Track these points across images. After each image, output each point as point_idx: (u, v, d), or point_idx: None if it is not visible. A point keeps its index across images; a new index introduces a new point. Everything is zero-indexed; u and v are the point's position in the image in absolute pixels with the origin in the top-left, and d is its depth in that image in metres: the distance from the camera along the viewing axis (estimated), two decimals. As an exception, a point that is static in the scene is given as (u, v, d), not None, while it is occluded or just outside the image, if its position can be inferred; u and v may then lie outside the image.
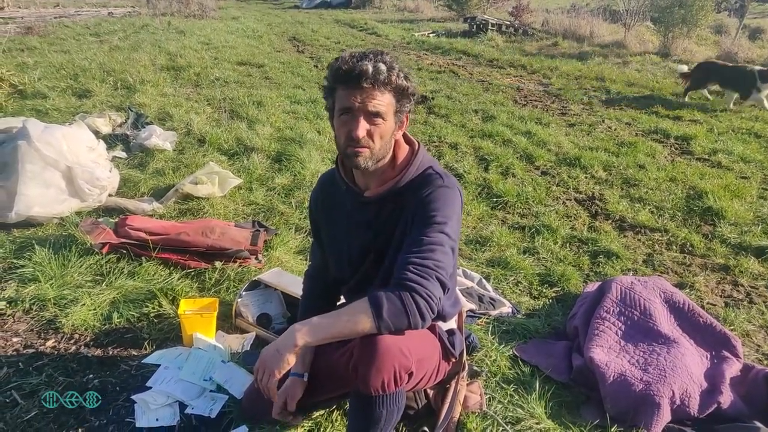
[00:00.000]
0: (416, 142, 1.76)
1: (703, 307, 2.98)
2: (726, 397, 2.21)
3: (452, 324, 1.97)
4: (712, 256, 3.58)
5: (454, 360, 1.96)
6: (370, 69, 1.53)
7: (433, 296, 1.49)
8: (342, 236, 1.85)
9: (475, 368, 2.35)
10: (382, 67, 1.55)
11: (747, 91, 7.01)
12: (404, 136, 1.77)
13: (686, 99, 7.58)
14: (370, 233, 1.75)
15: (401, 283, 1.49)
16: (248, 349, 2.46)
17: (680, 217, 4.13)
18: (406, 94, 1.63)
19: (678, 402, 2.17)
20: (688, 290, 3.15)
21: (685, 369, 2.28)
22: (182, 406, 2.11)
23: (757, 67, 6.99)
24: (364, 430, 1.65)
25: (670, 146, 5.82)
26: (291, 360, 1.52)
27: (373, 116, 1.57)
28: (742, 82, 7.03)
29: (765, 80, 6.83)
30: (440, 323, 1.89)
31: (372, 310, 1.47)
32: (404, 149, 1.74)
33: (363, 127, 1.56)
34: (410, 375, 1.60)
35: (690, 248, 3.69)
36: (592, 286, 3.07)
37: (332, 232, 1.90)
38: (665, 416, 2.13)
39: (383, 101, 1.57)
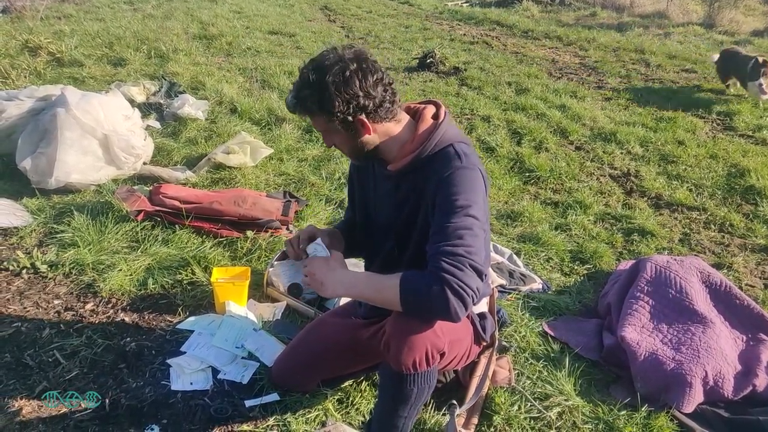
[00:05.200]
0: (442, 115, 1.69)
1: (741, 288, 2.91)
2: (762, 380, 2.17)
3: (483, 307, 1.94)
4: (752, 237, 3.47)
5: (485, 343, 1.96)
6: (289, 104, 1.65)
7: (467, 288, 1.40)
8: (371, 204, 1.86)
9: (505, 344, 2.35)
10: (291, 102, 1.64)
11: (743, 81, 6.20)
12: (432, 106, 1.73)
13: (729, 90, 6.69)
14: (392, 209, 1.74)
15: (436, 274, 1.42)
16: (279, 318, 2.50)
17: (720, 195, 4.01)
18: (330, 113, 1.57)
19: (711, 383, 2.14)
20: (726, 271, 3.07)
21: (720, 350, 2.24)
22: (215, 371, 2.17)
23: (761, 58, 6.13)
24: (394, 407, 1.67)
25: (712, 122, 5.61)
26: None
27: (321, 133, 1.70)
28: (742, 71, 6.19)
29: (755, 73, 5.88)
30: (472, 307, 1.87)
31: (401, 298, 1.47)
32: (427, 122, 1.69)
33: (326, 142, 1.72)
34: (442, 355, 1.60)
35: (729, 228, 3.58)
36: (625, 264, 3.02)
37: (363, 197, 1.91)
38: (697, 396, 2.10)
39: (316, 123, 1.67)
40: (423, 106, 1.76)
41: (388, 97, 1.63)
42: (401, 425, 1.69)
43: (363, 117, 1.60)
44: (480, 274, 1.44)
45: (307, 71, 1.58)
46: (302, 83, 1.59)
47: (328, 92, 1.55)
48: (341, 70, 1.55)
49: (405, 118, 1.71)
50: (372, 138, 1.66)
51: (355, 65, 1.56)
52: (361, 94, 1.56)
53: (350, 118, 1.59)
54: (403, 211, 1.71)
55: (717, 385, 2.14)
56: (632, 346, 2.28)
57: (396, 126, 1.68)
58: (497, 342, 2.17)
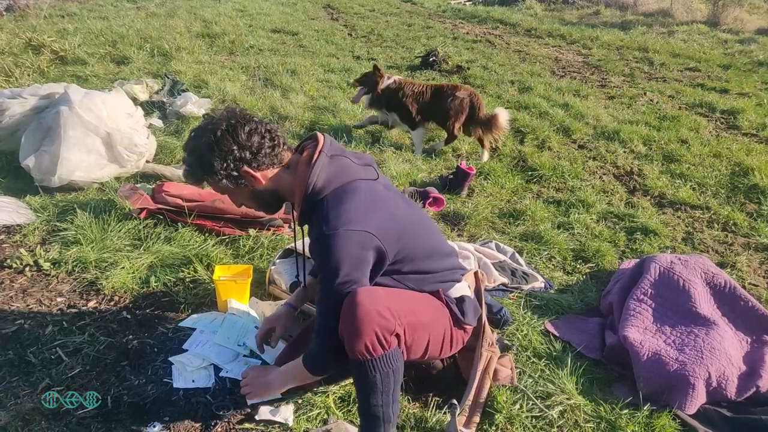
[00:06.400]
0: (315, 156, 1.71)
1: (744, 287, 2.90)
2: (765, 381, 2.15)
3: (464, 290, 1.93)
4: (756, 236, 3.46)
5: (468, 327, 1.94)
6: (182, 176, 1.85)
7: (323, 356, 1.72)
8: None
9: (507, 342, 2.35)
10: (183, 174, 1.82)
11: None
12: (312, 142, 1.79)
13: None
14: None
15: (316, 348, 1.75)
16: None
17: (723, 194, 4.00)
18: (215, 173, 1.70)
19: (714, 384, 2.13)
20: (729, 270, 3.06)
21: (724, 352, 2.23)
22: (217, 369, 2.17)
23: None
24: (365, 397, 1.68)
25: (716, 120, 5.60)
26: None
27: (227, 196, 1.85)
28: None
29: None
30: (447, 289, 1.88)
31: (311, 372, 1.79)
32: (302, 169, 1.74)
33: (235, 204, 1.87)
34: (398, 336, 1.63)
35: (733, 227, 3.57)
36: (628, 263, 3.01)
37: None
38: (700, 397, 2.10)
39: (213, 188, 1.80)
40: (305, 143, 1.83)
41: (266, 143, 1.73)
42: (380, 414, 1.68)
43: (246, 168, 1.71)
44: (326, 341, 1.68)
45: (186, 143, 1.75)
46: (186, 155, 1.75)
47: (206, 155, 1.69)
48: (212, 132, 1.68)
49: (295, 159, 1.79)
50: (267, 186, 1.77)
51: (224, 124, 1.69)
52: (235, 147, 1.69)
53: (234, 173, 1.71)
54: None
55: (720, 386, 2.13)
56: (635, 346, 2.27)
57: (286, 171, 1.78)
58: (495, 334, 2.16)
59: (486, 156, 4.43)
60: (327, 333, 1.66)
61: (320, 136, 1.79)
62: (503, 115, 4.30)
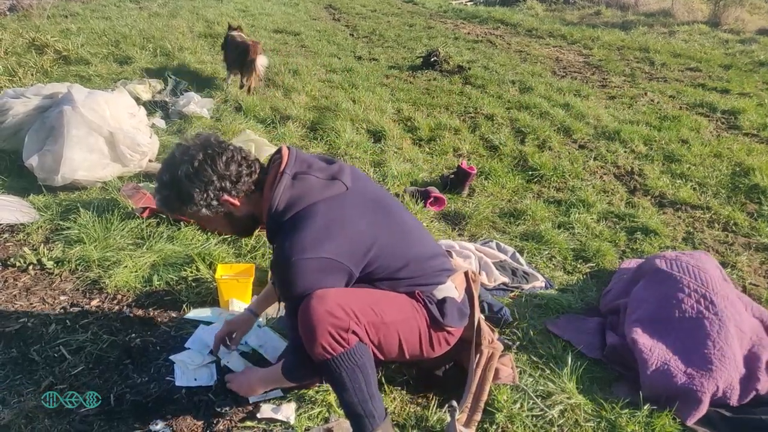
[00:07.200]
0: (276, 179, 1.72)
1: (745, 287, 2.92)
2: (764, 384, 2.13)
3: (450, 291, 1.89)
4: (756, 236, 3.47)
5: (450, 328, 1.88)
6: (158, 206, 1.85)
7: (292, 370, 1.83)
8: None
9: (507, 341, 2.36)
10: (158, 205, 1.81)
11: None
12: (278, 160, 1.78)
13: None
14: None
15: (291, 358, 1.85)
16: (283, 314, 2.51)
17: (724, 194, 4.00)
18: (194, 204, 1.70)
19: (720, 395, 2.09)
20: (729, 270, 3.07)
21: (733, 358, 2.15)
22: (218, 368, 2.18)
23: None
24: (341, 396, 1.71)
25: (716, 120, 5.60)
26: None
27: (201, 223, 1.92)
28: None
29: None
30: (427, 291, 1.85)
31: (287, 378, 1.86)
32: (267, 190, 1.75)
33: (209, 230, 1.95)
34: (356, 334, 1.64)
35: (733, 227, 3.58)
36: (629, 263, 3.02)
37: None
38: (703, 409, 2.07)
39: (189, 217, 1.82)
40: (274, 158, 1.82)
41: (244, 171, 1.74)
42: (360, 411, 1.69)
43: (226, 197, 1.72)
44: (299, 353, 1.72)
45: (160, 173, 1.73)
46: (160, 185, 1.74)
47: (184, 186, 1.67)
48: (190, 162, 1.66)
49: (263, 180, 1.78)
50: (243, 210, 1.78)
51: (201, 154, 1.68)
52: (215, 177, 1.68)
53: (215, 202, 1.71)
54: None
55: (725, 396, 2.10)
56: (645, 353, 2.20)
57: (256, 193, 1.78)
58: (495, 332, 2.17)
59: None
60: (298, 345, 1.70)
61: (285, 151, 1.77)
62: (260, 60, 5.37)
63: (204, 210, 1.72)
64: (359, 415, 1.69)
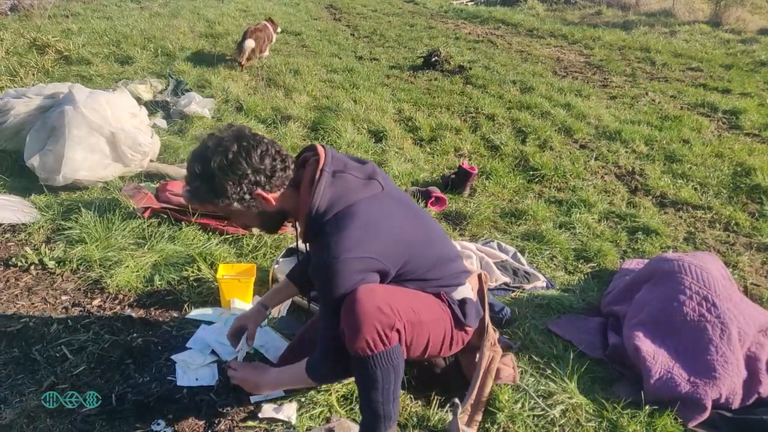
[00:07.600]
0: (317, 175, 1.68)
1: (746, 287, 2.92)
2: (765, 387, 2.12)
3: (467, 292, 1.93)
4: (758, 236, 3.47)
5: (468, 328, 1.94)
6: (186, 198, 1.73)
7: (324, 368, 1.78)
8: None
9: (508, 341, 2.36)
10: (187, 196, 1.72)
11: None
12: (313, 159, 1.74)
13: None
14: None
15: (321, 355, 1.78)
16: (284, 314, 2.52)
17: (725, 194, 4.00)
18: (227, 197, 1.65)
19: (722, 400, 2.09)
20: (731, 270, 3.06)
21: (736, 363, 2.13)
22: (220, 367, 2.18)
23: None
24: (366, 394, 1.69)
25: (718, 120, 5.59)
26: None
27: (230, 217, 1.86)
28: None
29: None
30: (449, 292, 1.88)
31: (311, 378, 1.82)
32: (306, 187, 1.72)
33: (237, 224, 1.90)
34: (399, 333, 1.64)
35: (734, 227, 3.58)
36: (630, 263, 3.02)
37: None
38: (706, 415, 2.06)
39: (218, 210, 1.74)
40: (306, 155, 1.79)
41: (278, 165, 1.69)
42: (381, 411, 1.69)
43: (259, 191, 1.67)
44: (329, 350, 1.72)
45: (192, 164, 1.65)
46: (191, 176, 1.67)
47: (217, 179, 1.62)
48: (224, 154, 1.61)
49: (299, 176, 1.75)
50: (275, 206, 1.73)
51: (236, 146, 1.62)
52: (249, 171, 1.63)
53: (247, 196, 1.66)
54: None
55: (728, 401, 2.09)
56: (648, 361, 2.17)
57: (290, 189, 1.75)
58: (497, 333, 2.17)
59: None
60: (329, 346, 1.69)
61: (320, 149, 1.74)
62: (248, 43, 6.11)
63: (236, 204, 1.67)
64: (378, 415, 1.70)
